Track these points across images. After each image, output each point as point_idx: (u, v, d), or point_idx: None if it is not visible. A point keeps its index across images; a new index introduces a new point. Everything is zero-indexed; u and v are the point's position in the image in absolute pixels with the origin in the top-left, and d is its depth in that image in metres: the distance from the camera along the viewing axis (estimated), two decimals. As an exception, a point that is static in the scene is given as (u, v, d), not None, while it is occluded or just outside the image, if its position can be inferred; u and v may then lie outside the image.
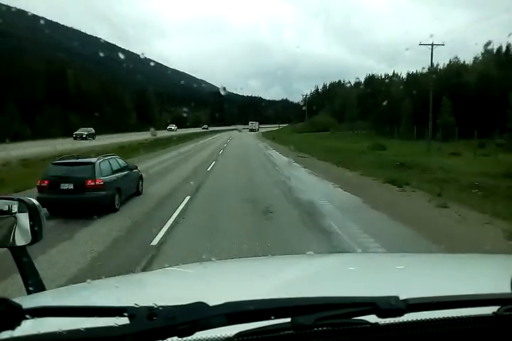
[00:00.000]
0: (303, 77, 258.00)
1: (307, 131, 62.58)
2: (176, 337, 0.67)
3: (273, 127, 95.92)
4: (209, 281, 1.40)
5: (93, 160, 8.91)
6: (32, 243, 1.36)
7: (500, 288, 0.79)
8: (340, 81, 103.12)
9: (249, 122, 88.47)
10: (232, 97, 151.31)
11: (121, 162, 10.23)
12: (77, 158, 9.23)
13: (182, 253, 5.97)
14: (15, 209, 1.40)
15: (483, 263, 1.55)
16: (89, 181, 8.34)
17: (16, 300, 0.68)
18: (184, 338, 0.69)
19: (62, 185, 8.30)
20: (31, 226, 1.35)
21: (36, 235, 1.35)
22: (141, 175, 11.10)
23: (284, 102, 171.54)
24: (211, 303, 0.69)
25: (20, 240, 1.37)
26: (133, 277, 1.68)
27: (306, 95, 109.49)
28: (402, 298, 0.72)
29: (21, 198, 1.40)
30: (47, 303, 0.71)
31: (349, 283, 1.27)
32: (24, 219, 1.37)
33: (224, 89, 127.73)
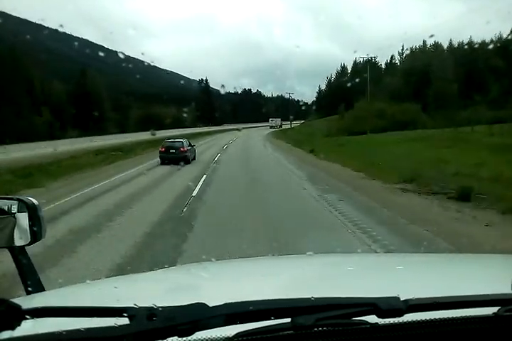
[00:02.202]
0: (298, 74, 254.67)
1: (366, 131, 33.83)
2: (175, 337, 0.67)
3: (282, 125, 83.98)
4: (209, 281, 1.40)
5: (181, 139, 19.85)
6: (31, 243, 1.35)
7: (501, 288, 0.79)
8: (371, 59, 74.71)
9: (270, 119, 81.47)
10: (225, 96, 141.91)
11: (189, 142, 20.31)
12: (175, 139, 20.21)
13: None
14: (14, 209, 1.39)
15: (483, 263, 1.55)
16: (181, 148, 18.62)
17: (16, 301, 0.68)
18: (184, 338, 0.69)
19: (170, 149, 18.55)
20: (30, 226, 1.34)
21: (36, 235, 1.34)
22: (195, 150, 21.06)
23: (281, 99, 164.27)
24: (211, 304, 0.69)
25: (19, 240, 1.36)
26: (133, 277, 1.68)
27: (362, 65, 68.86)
28: (402, 298, 0.72)
29: (21, 198, 1.40)
30: (46, 304, 0.71)
31: (349, 283, 1.27)
32: (23, 219, 1.36)
33: (206, 83, 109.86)
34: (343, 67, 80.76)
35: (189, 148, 19.28)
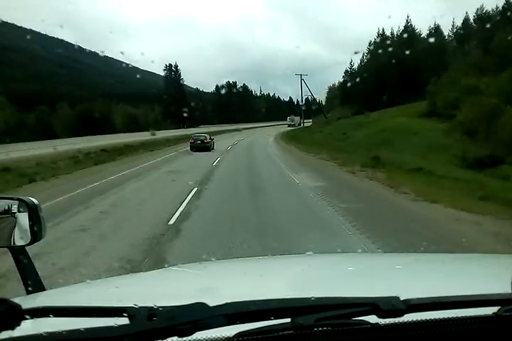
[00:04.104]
0: (280, 74, 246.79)
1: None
2: (175, 337, 0.67)
3: (275, 125, 72.22)
4: (209, 281, 1.40)
5: (205, 134, 28.29)
6: (31, 243, 1.35)
7: (501, 288, 0.79)
8: (411, 26, 51.94)
9: (288, 117, 74.99)
10: (208, 95, 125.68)
11: (209, 136, 27.93)
12: (200, 134, 28.88)
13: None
14: (14, 209, 1.40)
15: (483, 263, 1.55)
16: (205, 140, 26.95)
17: (16, 300, 0.67)
18: (184, 338, 0.69)
19: (197, 140, 26.74)
20: (31, 226, 1.34)
21: (36, 235, 1.35)
22: (214, 142, 28.32)
23: (268, 98, 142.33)
24: (211, 303, 0.69)
25: (19, 240, 1.36)
26: (133, 277, 1.68)
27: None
28: (402, 298, 0.72)
29: (21, 198, 1.40)
30: (46, 303, 0.71)
31: (349, 283, 1.27)
32: (24, 218, 1.36)
33: (175, 69, 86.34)
34: (382, 36, 53.49)
35: (209, 140, 27.42)
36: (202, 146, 25.90)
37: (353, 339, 0.75)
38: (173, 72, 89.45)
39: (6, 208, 1.40)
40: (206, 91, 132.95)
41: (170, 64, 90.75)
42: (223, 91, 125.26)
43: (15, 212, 1.39)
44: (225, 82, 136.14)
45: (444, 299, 0.75)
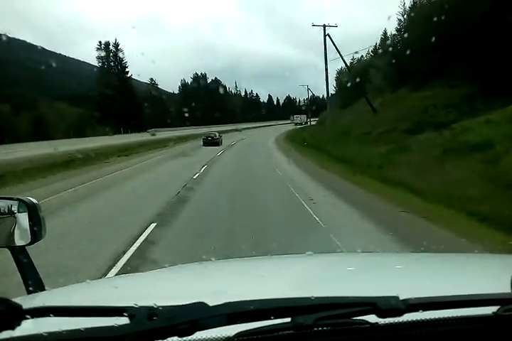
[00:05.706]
0: (249, 75, 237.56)
1: None
2: (175, 337, 0.67)
3: (264, 127, 68.68)
4: (209, 281, 1.40)
5: (215, 132, 35.92)
6: (31, 243, 1.36)
7: (500, 288, 0.79)
8: None
9: (294, 116, 72.98)
10: (173, 97, 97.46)
11: (218, 133, 35.27)
12: (210, 132, 35.78)
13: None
14: (15, 209, 1.40)
15: (483, 263, 1.55)
16: (215, 136, 34.19)
17: (16, 300, 0.68)
18: (184, 338, 0.69)
19: (208, 137, 33.99)
20: (31, 226, 1.35)
21: (36, 235, 1.35)
22: (222, 139, 34.66)
23: (238, 98, 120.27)
24: (211, 303, 0.69)
25: (19, 240, 1.37)
26: (133, 277, 1.68)
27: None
28: (402, 298, 0.72)
29: (21, 198, 1.40)
30: (47, 303, 0.71)
31: (349, 283, 1.27)
32: (24, 219, 1.37)
33: (115, 50, 60.55)
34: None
35: (219, 137, 33.92)
36: (212, 142, 32.96)
37: (352, 338, 0.75)
38: (111, 53, 59.90)
39: (6, 208, 1.41)
40: (176, 93, 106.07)
41: (107, 42, 60.61)
42: (190, 87, 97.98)
43: (15, 212, 1.40)
44: (192, 75, 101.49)
45: (444, 299, 0.75)
